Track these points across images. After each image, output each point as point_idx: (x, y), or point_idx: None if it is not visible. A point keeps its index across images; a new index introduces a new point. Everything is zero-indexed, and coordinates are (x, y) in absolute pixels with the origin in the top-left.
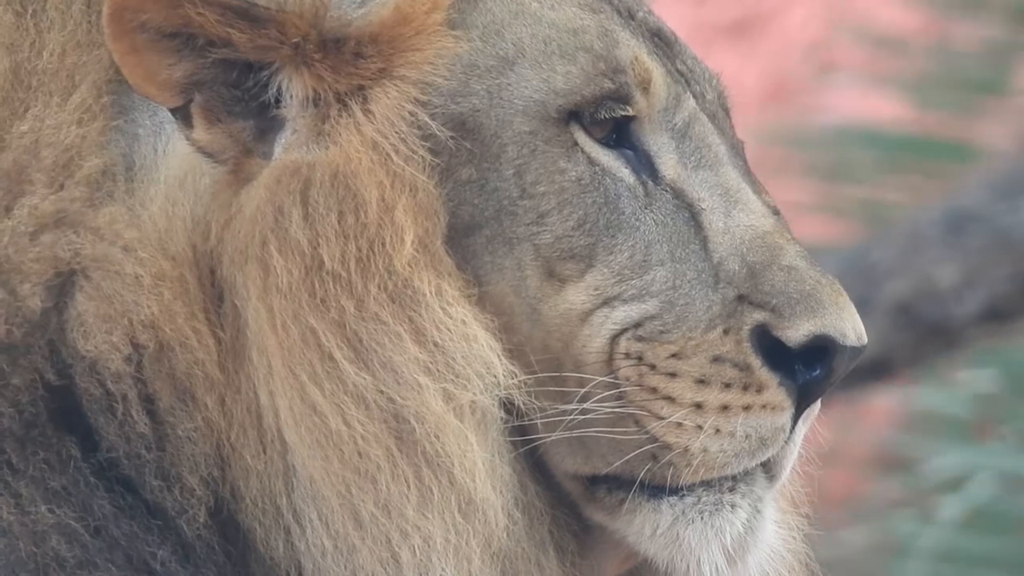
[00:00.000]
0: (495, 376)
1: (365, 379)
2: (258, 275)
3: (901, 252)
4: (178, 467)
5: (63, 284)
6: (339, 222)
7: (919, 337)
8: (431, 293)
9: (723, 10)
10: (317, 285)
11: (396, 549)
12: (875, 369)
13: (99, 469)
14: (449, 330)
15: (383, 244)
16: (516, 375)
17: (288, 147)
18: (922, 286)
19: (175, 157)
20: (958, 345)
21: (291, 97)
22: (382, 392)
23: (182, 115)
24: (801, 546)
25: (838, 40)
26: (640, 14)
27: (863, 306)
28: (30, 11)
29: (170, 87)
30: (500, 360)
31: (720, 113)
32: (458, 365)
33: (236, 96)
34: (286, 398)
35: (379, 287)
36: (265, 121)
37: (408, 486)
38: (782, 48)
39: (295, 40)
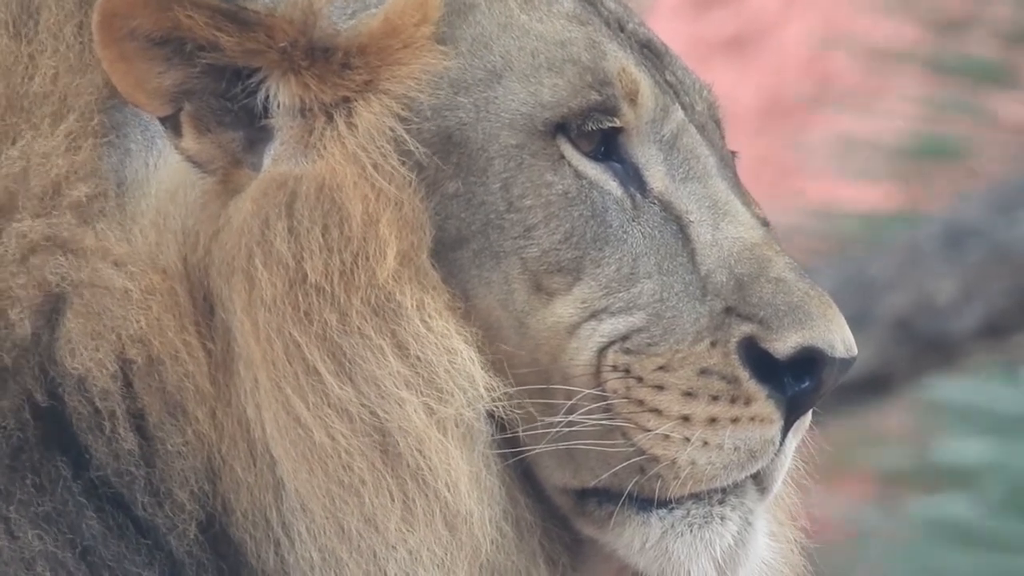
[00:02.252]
0: (477, 389)
1: (348, 392)
2: (244, 288)
3: (900, 267)
4: (168, 482)
5: (53, 306)
6: (323, 235)
7: (918, 352)
8: (413, 306)
9: (719, 26)
10: (301, 298)
11: (382, 562)
12: (874, 384)
13: (90, 488)
14: (431, 344)
15: (367, 258)
16: (498, 388)
17: (276, 159)
18: (921, 301)
19: (166, 171)
20: (957, 360)
21: (278, 106)
22: (365, 406)
23: (171, 124)
24: (799, 559)
25: (834, 56)
26: (630, 25)
27: (861, 320)
28: (24, 35)
29: (160, 95)
30: (482, 373)
31: (710, 124)
32: (440, 379)
33: (226, 106)
34: (271, 411)
35: (362, 301)
36: (254, 132)
37: (392, 499)
38: (778, 64)
39: (283, 45)
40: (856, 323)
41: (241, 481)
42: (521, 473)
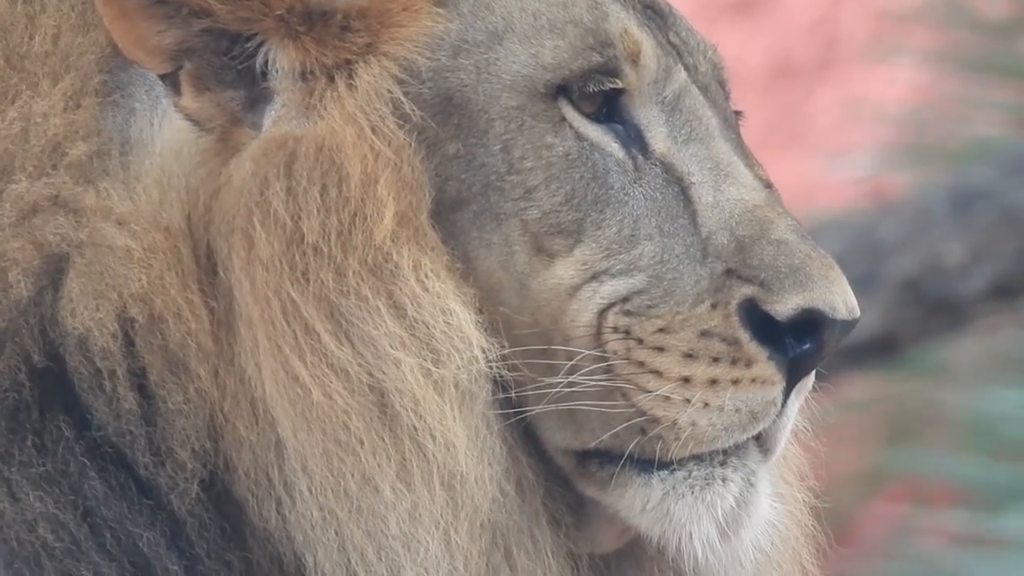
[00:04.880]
0: (472, 351)
1: (345, 352)
2: (243, 247)
3: (908, 229)
4: (169, 441)
5: (57, 267)
6: (321, 196)
7: (926, 314)
8: (409, 267)
9: None
10: (298, 258)
11: (381, 522)
12: (882, 345)
13: (92, 448)
14: (427, 305)
15: (364, 218)
16: (494, 349)
17: (277, 120)
18: (929, 263)
19: (171, 129)
20: (965, 322)
21: (277, 70)
22: (362, 366)
23: (171, 82)
24: (807, 519)
25: (843, 16)
26: None
27: (869, 282)
28: None
29: (160, 53)
30: (478, 334)
31: (713, 85)
32: (436, 340)
33: (227, 64)
34: (270, 370)
35: (359, 261)
36: (256, 91)
37: (388, 459)
38: (787, 25)
39: (279, 12)
40: (864, 285)
41: (243, 439)
42: (523, 433)
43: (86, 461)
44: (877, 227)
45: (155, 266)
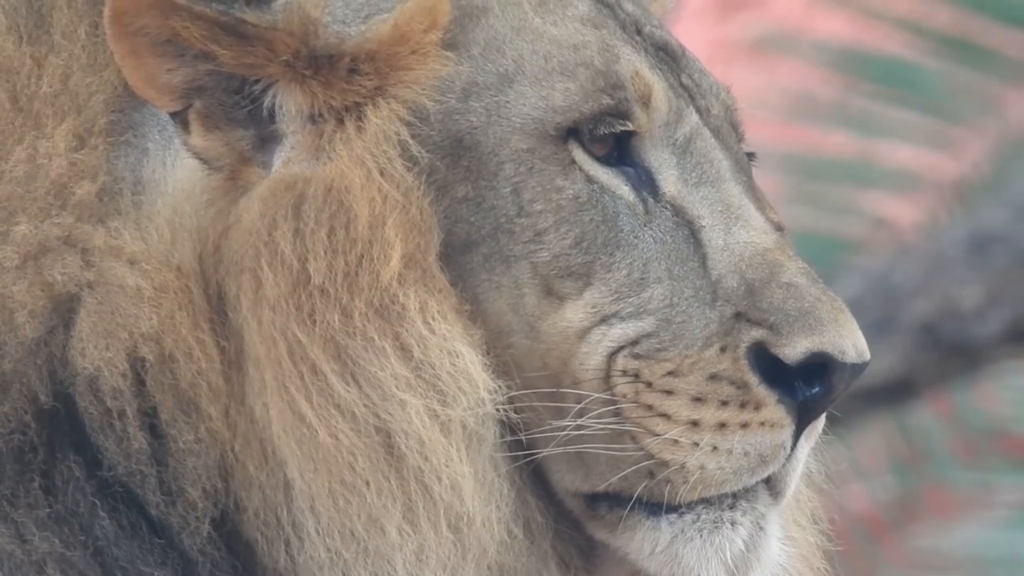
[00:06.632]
0: (478, 393)
1: (352, 393)
2: (250, 287)
3: (925, 273)
4: (180, 481)
5: (66, 307)
6: (329, 237)
7: (943, 357)
8: (416, 309)
9: (745, 28)
10: (304, 299)
11: (387, 563)
12: (899, 389)
13: (104, 487)
14: (433, 346)
15: (371, 260)
16: (501, 391)
17: (287, 161)
18: (946, 306)
19: (183, 169)
20: (982, 365)
21: (285, 113)
22: (368, 407)
23: (181, 120)
24: (820, 563)
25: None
26: (647, 28)
27: (886, 326)
28: (34, 37)
29: (169, 91)
30: (484, 376)
31: (726, 127)
32: (442, 382)
33: (236, 103)
34: (277, 410)
35: (366, 302)
36: (265, 131)
37: (394, 500)
38: (804, 66)
39: (284, 58)
40: (881, 329)
41: (253, 479)
42: (532, 476)
43: (96, 501)
44: (893, 271)
45: (166, 305)
